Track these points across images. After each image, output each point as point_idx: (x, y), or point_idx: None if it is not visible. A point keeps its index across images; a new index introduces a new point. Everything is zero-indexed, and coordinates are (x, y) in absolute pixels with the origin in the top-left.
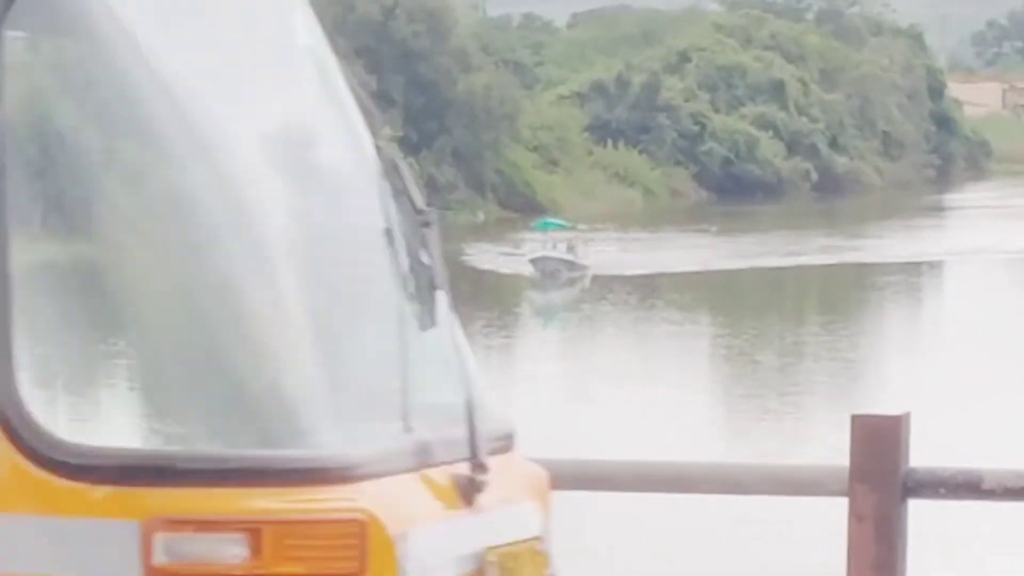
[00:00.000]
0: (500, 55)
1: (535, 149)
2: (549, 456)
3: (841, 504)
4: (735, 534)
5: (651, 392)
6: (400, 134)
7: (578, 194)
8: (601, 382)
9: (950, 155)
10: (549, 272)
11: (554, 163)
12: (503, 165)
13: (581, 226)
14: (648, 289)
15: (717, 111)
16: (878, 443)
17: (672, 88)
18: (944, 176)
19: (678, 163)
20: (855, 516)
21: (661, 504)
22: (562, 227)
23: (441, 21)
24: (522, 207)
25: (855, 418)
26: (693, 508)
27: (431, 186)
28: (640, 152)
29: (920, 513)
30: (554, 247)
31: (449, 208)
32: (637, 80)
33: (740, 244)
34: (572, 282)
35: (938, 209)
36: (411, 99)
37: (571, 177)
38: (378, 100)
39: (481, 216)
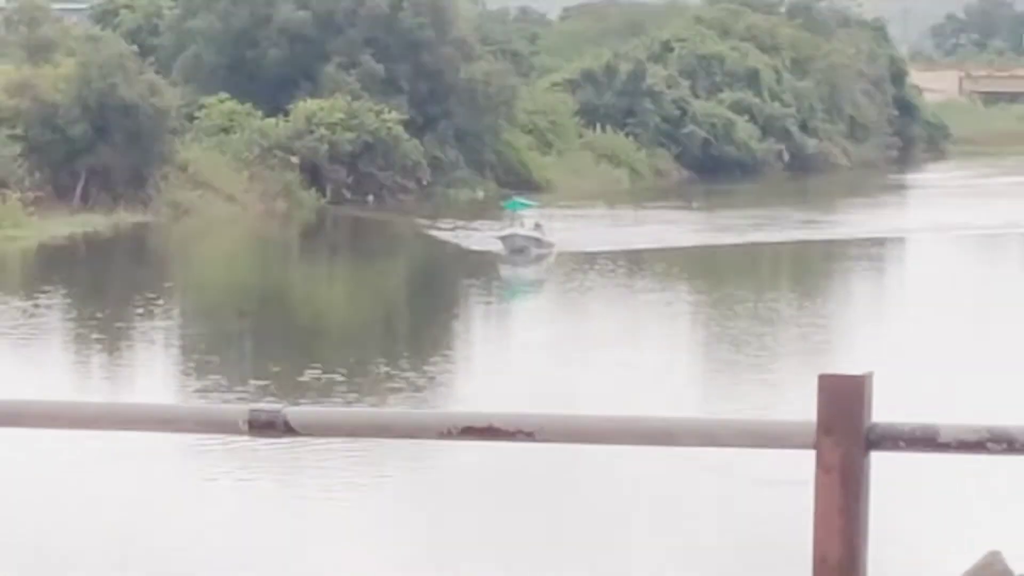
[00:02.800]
0: (498, 45)
1: (530, 132)
2: (541, 412)
3: (809, 456)
4: (718, 484)
5: (634, 355)
6: (406, 117)
7: (569, 173)
8: (588, 346)
9: (911, 138)
10: (517, 248)
11: (547, 145)
12: (501, 146)
13: (568, 203)
14: (632, 262)
15: (697, 97)
16: (843, 400)
17: (656, 76)
18: (906, 157)
19: (661, 145)
20: (822, 467)
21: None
22: (529, 207)
23: (444, 14)
24: (518, 185)
25: (822, 377)
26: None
27: (435, 165)
28: (626, 135)
29: (881, 464)
30: (519, 224)
31: (452, 186)
32: (623, 68)
33: (718, 219)
34: (539, 258)
35: (900, 188)
36: (416, 86)
37: (563, 158)
38: (386, 86)
39: (481, 193)
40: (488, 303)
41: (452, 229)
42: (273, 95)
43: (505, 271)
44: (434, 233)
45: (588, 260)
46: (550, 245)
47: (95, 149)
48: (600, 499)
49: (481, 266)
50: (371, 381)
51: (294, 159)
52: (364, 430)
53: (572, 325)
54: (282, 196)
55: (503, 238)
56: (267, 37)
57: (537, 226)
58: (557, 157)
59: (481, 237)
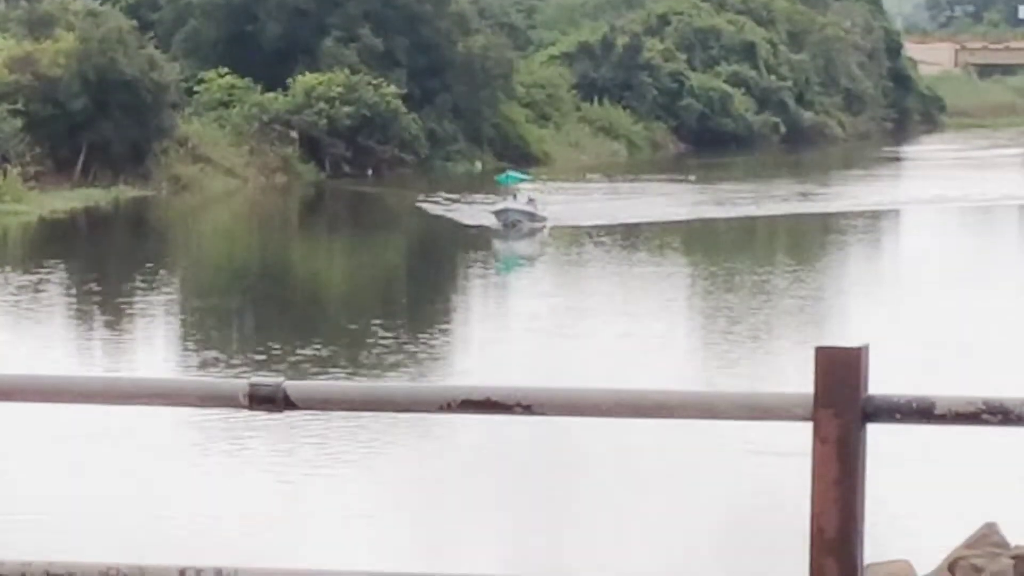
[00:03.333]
0: (495, 19)
1: (528, 105)
2: (538, 385)
3: (806, 428)
4: (719, 455)
5: (633, 326)
6: (405, 91)
7: (567, 146)
8: (581, 318)
9: (906, 110)
10: (511, 223)
11: (545, 118)
12: (499, 120)
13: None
14: (628, 236)
15: (694, 70)
16: (839, 373)
17: (653, 49)
18: (901, 129)
19: (658, 118)
20: (819, 439)
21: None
22: (523, 180)
23: None
24: (516, 158)
25: (819, 350)
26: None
27: (433, 139)
28: (623, 108)
29: (877, 436)
30: (513, 198)
31: (450, 159)
32: (620, 42)
33: (716, 192)
34: (532, 232)
35: (895, 160)
36: (415, 60)
37: (560, 131)
38: (384, 60)
39: (479, 166)
40: (481, 277)
41: (448, 203)
42: (272, 69)
43: (498, 245)
44: (430, 207)
45: (584, 234)
46: (543, 219)
47: (95, 124)
48: (601, 465)
49: (475, 240)
50: (369, 353)
51: (293, 133)
52: (364, 404)
53: (565, 298)
54: (281, 170)
55: (496, 212)
56: (266, 11)
57: (530, 200)
58: (555, 130)
59: (475, 211)
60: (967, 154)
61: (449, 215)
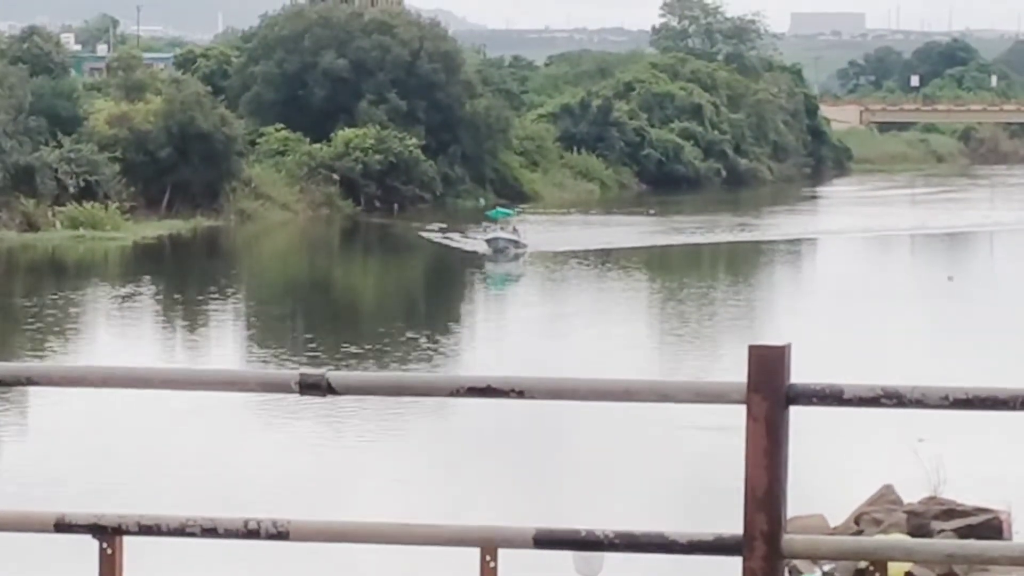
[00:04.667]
0: (496, 85)
1: (521, 154)
2: (529, 375)
3: (741, 410)
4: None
5: (604, 329)
6: (424, 143)
7: (552, 187)
8: (554, 323)
9: (821, 158)
10: (500, 248)
11: (535, 164)
12: (498, 165)
13: (553, 210)
14: (598, 259)
15: (653, 126)
16: (767, 365)
17: (620, 110)
18: (817, 174)
19: (624, 164)
20: (751, 418)
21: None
22: (509, 215)
23: (453, 61)
24: (512, 196)
25: (751, 347)
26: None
27: (446, 180)
28: (597, 156)
29: (797, 416)
30: (501, 229)
31: (459, 197)
32: (595, 104)
33: (670, 224)
34: (516, 256)
35: (813, 198)
36: (431, 118)
37: (547, 174)
38: (407, 118)
39: (482, 202)
40: (478, 291)
41: (452, 233)
42: (318, 125)
43: (489, 267)
44: (439, 236)
45: (560, 257)
46: (524, 246)
47: (178, 168)
48: (581, 437)
49: (471, 262)
50: (394, 348)
51: (335, 176)
52: (390, 390)
53: (546, 308)
54: (325, 205)
55: (488, 240)
56: (313, 79)
57: (514, 230)
58: (542, 174)
59: (472, 240)
60: (869, 194)
61: (450, 242)
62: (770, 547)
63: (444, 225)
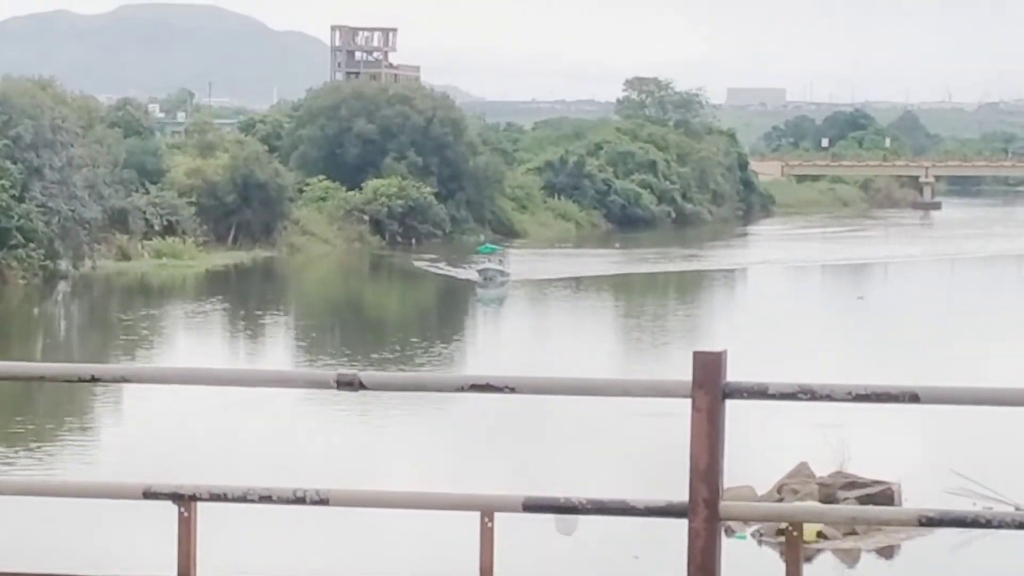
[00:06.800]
0: (493, 145)
1: (513, 199)
2: (518, 374)
3: (687, 402)
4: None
5: (578, 342)
6: (436, 191)
7: (538, 226)
8: (545, 335)
9: (751, 203)
10: (489, 277)
11: (524, 207)
12: (495, 209)
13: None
14: (571, 286)
15: (617, 178)
16: (709, 367)
17: (591, 165)
18: (747, 216)
19: (595, 208)
20: (695, 409)
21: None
22: (496, 249)
23: (459, 126)
24: (506, 233)
25: (696, 353)
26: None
27: (453, 221)
28: (573, 201)
29: (733, 408)
30: (489, 261)
31: (464, 234)
32: (571, 160)
33: (632, 256)
34: (502, 283)
35: (744, 235)
36: (442, 171)
37: (534, 216)
38: (423, 171)
39: (482, 238)
40: (472, 311)
41: (452, 265)
42: (353, 177)
43: (480, 292)
44: (443, 267)
45: (542, 284)
46: (508, 274)
47: (241, 210)
48: (561, 423)
49: (466, 288)
50: (412, 354)
51: (365, 217)
52: (410, 386)
53: (529, 323)
54: (358, 240)
55: (479, 270)
56: (349, 140)
57: (500, 261)
58: (530, 216)
59: (467, 271)
60: (790, 232)
61: (448, 271)
62: (710, 511)
63: (435, 256)
